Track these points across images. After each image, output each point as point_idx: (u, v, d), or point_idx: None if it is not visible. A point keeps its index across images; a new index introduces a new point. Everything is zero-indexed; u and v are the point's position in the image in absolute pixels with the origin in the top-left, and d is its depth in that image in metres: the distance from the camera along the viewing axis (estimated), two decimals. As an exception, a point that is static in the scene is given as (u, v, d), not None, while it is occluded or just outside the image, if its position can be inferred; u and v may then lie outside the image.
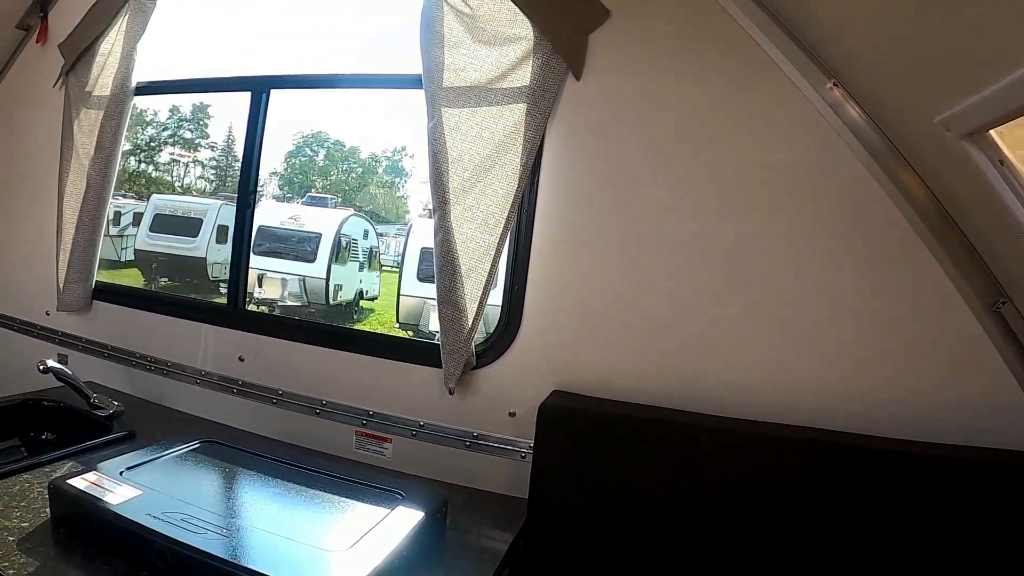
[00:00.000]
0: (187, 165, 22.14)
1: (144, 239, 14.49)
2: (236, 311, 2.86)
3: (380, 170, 24.73)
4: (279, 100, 2.84)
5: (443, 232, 2.19)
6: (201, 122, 21.74)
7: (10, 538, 1.58)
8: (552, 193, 2.20)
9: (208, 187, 21.48)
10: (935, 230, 1.78)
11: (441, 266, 2.20)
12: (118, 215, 15.08)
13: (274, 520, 1.69)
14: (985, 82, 1.31)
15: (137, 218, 15.19)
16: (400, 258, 13.90)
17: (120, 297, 3.11)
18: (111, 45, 2.96)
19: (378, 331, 10.51)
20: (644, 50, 2.10)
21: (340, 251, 14.14)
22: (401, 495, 1.84)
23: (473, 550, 1.86)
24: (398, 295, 12.91)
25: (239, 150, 3.04)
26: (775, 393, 1.94)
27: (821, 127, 1.88)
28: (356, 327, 12.57)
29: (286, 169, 23.55)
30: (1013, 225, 1.51)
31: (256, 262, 11.77)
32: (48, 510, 1.69)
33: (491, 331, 2.32)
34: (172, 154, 21.51)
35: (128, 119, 3.01)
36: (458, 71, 2.21)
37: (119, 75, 2.92)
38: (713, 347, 2.02)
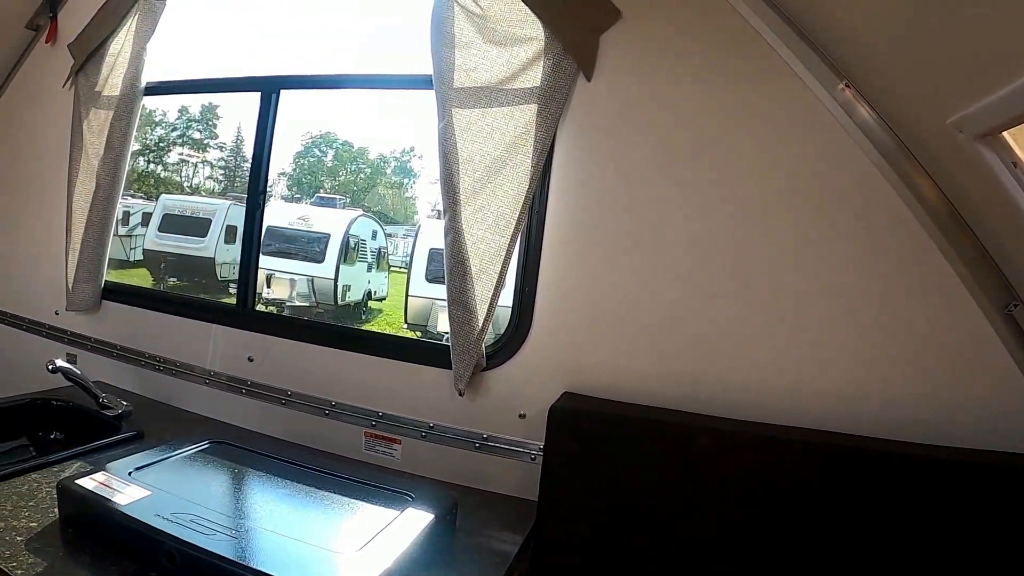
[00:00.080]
0: (196, 165, 22.25)
1: (153, 239, 14.59)
2: (245, 311, 2.86)
3: (388, 171, 24.81)
4: (287, 100, 2.83)
5: (454, 233, 2.18)
6: (210, 122, 21.86)
7: (18, 538, 1.57)
8: (563, 194, 2.19)
9: (217, 187, 21.57)
10: (946, 231, 1.77)
11: (451, 267, 2.19)
12: (127, 215, 15.19)
13: (283, 522, 1.68)
14: (999, 83, 1.30)
15: (146, 218, 15.28)
16: (408, 259, 13.92)
17: (129, 297, 3.11)
18: (121, 45, 2.96)
19: (387, 332, 10.54)
20: (655, 51, 2.08)
21: (348, 252, 14.20)
22: (411, 497, 1.83)
23: (483, 552, 1.85)
24: (406, 296, 12.94)
25: (247, 150, 3.04)
26: (787, 395, 1.93)
27: (832, 128, 1.87)
28: (364, 327, 12.61)
29: (295, 170, 23.65)
30: (1026, 227, 1.50)
31: (265, 262, 11.79)
32: (56, 510, 1.69)
33: (501, 332, 2.31)
34: (181, 154, 21.61)
35: (138, 119, 3.01)
36: (469, 72, 2.20)
37: (129, 75, 2.93)
38: (723, 348, 2.01)
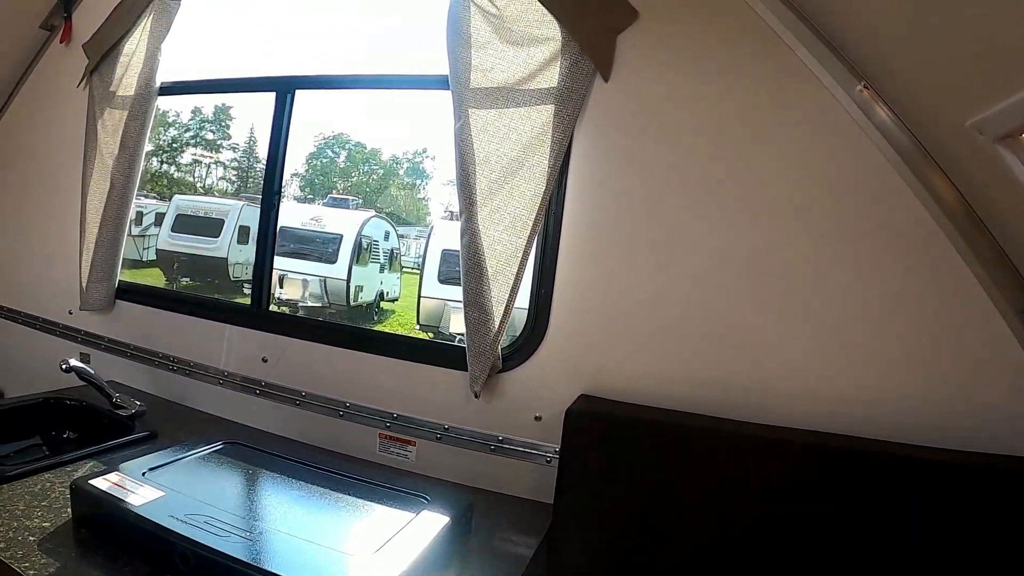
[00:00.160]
0: (209, 166, 22.35)
1: (166, 239, 14.67)
2: (260, 312, 2.86)
3: (401, 172, 24.87)
4: (300, 101, 2.83)
5: (470, 234, 2.16)
6: (223, 123, 21.95)
7: (31, 538, 1.56)
8: (580, 195, 2.17)
9: (229, 188, 21.66)
10: (964, 233, 1.74)
11: (468, 268, 2.18)
12: (140, 215, 15.28)
13: (297, 523, 1.67)
14: (1021, 85, 1.27)
15: (159, 218, 15.36)
16: (421, 260, 13.94)
17: (143, 297, 3.12)
18: (135, 45, 2.97)
19: (402, 333, 10.56)
20: (672, 51, 2.07)
21: (361, 252, 14.24)
22: (426, 499, 1.82)
23: (498, 555, 1.84)
24: (419, 297, 12.94)
25: (260, 151, 3.04)
26: (806, 399, 1.91)
27: (850, 128, 1.85)
28: (378, 328, 12.64)
29: (307, 170, 23.73)
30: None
31: (278, 263, 11.83)
32: (70, 510, 1.69)
33: (517, 334, 2.30)
34: (194, 155, 21.72)
35: (152, 119, 3.02)
36: (485, 72, 2.19)
37: (143, 75, 2.93)
38: (740, 351, 1.99)
